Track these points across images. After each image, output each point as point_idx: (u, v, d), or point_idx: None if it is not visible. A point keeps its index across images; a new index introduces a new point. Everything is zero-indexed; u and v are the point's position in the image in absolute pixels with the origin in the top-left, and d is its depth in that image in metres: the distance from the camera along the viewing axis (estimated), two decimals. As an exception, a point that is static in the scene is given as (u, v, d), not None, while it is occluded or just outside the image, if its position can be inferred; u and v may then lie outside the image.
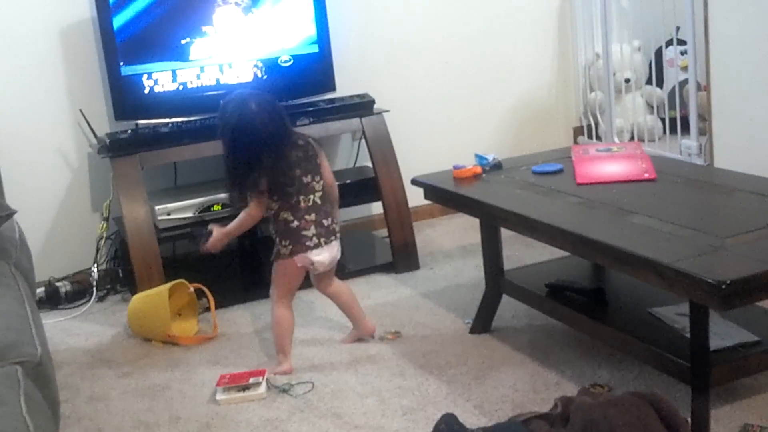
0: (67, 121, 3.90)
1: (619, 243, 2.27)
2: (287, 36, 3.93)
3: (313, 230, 2.96)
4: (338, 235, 3.07)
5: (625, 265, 2.28)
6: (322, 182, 3.02)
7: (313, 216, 2.97)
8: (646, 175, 2.80)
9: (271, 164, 2.90)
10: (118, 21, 3.68)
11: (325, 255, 3.00)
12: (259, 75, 3.91)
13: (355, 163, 4.36)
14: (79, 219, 3.97)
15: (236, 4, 3.82)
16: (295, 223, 2.95)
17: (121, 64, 3.71)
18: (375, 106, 3.99)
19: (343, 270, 3.90)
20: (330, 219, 3.03)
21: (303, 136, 3.06)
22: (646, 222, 2.41)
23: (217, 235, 3.08)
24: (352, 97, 4.02)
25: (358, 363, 2.99)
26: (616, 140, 4.46)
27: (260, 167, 2.91)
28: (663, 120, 4.46)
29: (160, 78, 3.77)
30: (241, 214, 3.05)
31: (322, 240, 2.98)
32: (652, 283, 2.22)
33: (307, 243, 2.96)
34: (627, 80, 4.58)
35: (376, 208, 4.20)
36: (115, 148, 3.63)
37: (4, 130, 3.69)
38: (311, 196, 2.98)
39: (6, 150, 3.61)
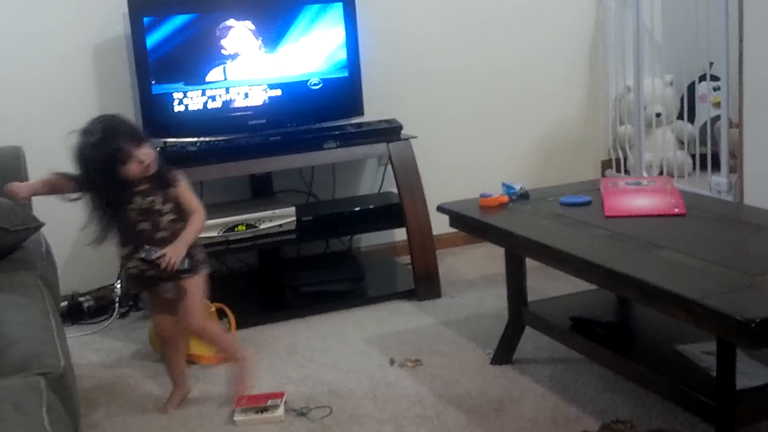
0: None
1: (647, 277, 2.24)
2: (318, 59, 3.95)
3: None
4: None
5: (653, 300, 2.25)
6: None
7: None
8: (676, 210, 2.77)
9: None
10: (151, 40, 3.71)
11: None
12: (288, 97, 3.92)
13: (380, 189, 4.36)
14: (105, 235, 3.98)
15: (267, 26, 3.85)
16: None
17: (153, 82, 3.74)
18: (402, 131, 3.98)
19: (364, 295, 3.91)
20: None
21: None
22: (675, 257, 2.38)
23: (174, 251, 2.75)
24: (379, 122, 4.02)
25: (377, 389, 2.97)
26: (645, 175, 4.43)
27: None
28: (693, 156, 4.42)
29: (189, 97, 3.79)
30: (195, 219, 2.82)
31: None
32: (679, 319, 2.18)
33: None
34: (658, 114, 4.55)
35: (400, 234, 4.18)
36: (143, 165, 3.65)
37: (35, 143, 3.69)
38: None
39: (36, 163, 3.60)
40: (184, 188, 2.83)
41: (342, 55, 3.98)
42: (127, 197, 2.72)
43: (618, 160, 4.68)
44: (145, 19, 3.71)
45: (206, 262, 2.87)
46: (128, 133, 2.70)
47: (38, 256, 2.90)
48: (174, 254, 2.74)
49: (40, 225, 2.96)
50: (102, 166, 2.67)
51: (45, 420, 1.76)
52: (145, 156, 2.70)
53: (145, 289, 2.91)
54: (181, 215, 2.80)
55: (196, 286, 2.83)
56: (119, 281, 3.86)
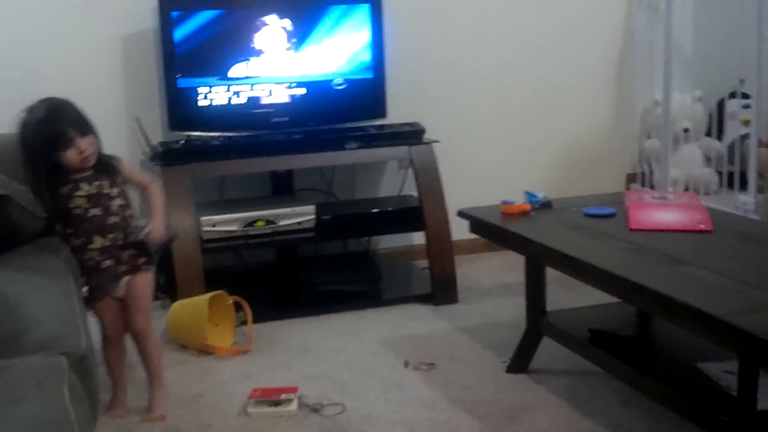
0: (122, 128, 3.94)
1: (669, 292, 2.21)
2: (343, 60, 3.94)
3: None
4: None
5: (675, 316, 2.21)
6: None
7: None
8: (702, 226, 2.74)
9: None
10: (178, 34, 3.72)
11: None
12: (312, 96, 3.91)
13: (400, 191, 4.34)
14: (125, 224, 3.98)
15: (293, 25, 3.84)
16: None
17: (179, 76, 3.74)
18: (425, 135, 3.97)
19: (381, 297, 3.89)
20: None
21: None
22: (699, 273, 2.34)
23: (158, 225, 2.74)
24: (402, 125, 4.01)
25: (390, 391, 2.95)
26: (671, 190, 4.39)
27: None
28: (720, 173, 4.38)
29: (214, 92, 3.79)
30: (157, 191, 2.81)
31: None
32: (701, 336, 2.15)
33: None
34: (685, 130, 4.50)
35: (418, 238, 4.17)
36: (167, 157, 3.66)
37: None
38: None
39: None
40: (129, 167, 2.81)
41: (367, 56, 3.97)
42: (71, 185, 2.63)
43: (643, 175, 4.65)
44: (173, 13, 3.72)
45: (155, 262, 2.79)
46: (73, 120, 2.60)
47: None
48: (158, 227, 2.71)
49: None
50: (40, 147, 2.56)
51: (66, 398, 1.80)
52: (87, 146, 2.60)
53: (102, 282, 2.71)
54: (128, 201, 2.73)
55: (147, 283, 2.76)
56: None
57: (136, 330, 2.79)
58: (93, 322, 2.57)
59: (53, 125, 2.56)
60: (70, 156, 2.58)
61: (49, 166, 2.59)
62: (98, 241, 2.66)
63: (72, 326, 2.20)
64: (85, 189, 2.64)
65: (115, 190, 2.69)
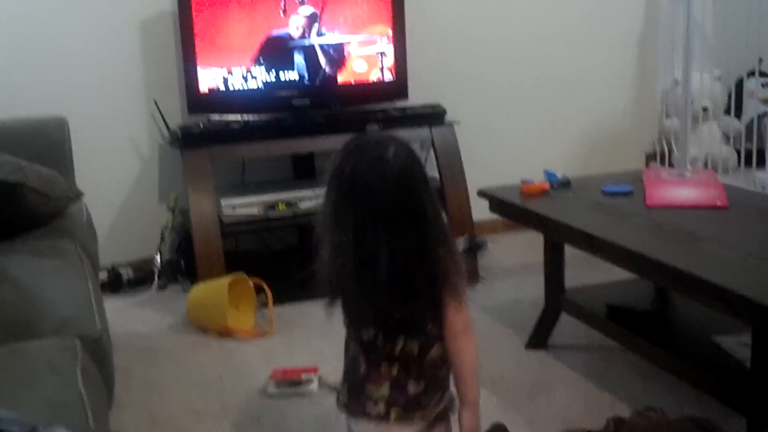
0: (141, 111, 3.97)
1: (685, 267, 2.22)
2: (364, 41, 3.95)
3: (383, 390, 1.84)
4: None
5: (691, 290, 2.23)
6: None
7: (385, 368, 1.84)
8: (718, 203, 2.74)
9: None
10: (197, 16, 3.73)
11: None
12: (333, 78, 3.93)
13: (421, 173, 4.35)
14: (146, 208, 4.03)
15: (315, 7, 3.86)
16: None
17: (198, 59, 3.76)
18: (446, 117, 3.98)
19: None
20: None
21: None
22: (715, 249, 2.36)
23: None
24: (423, 106, 4.01)
25: (411, 370, 2.97)
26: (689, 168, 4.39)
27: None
28: (738, 152, 4.37)
29: (234, 75, 3.81)
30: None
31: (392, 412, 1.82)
32: (716, 310, 2.17)
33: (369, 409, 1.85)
34: (705, 109, 4.49)
35: (440, 219, 4.17)
36: (186, 140, 3.69)
37: (80, 116, 3.75)
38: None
39: (80, 135, 3.67)
40: None
41: (389, 38, 3.97)
42: None
43: (663, 154, 4.64)
44: (193, -5, 3.73)
45: None
46: None
47: (78, 224, 2.94)
48: None
49: (80, 194, 3.01)
50: None
51: (79, 380, 1.80)
52: None
53: None
54: None
55: None
56: (159, 254, 3.91)
57: None
58: (110, 311, 2.54)
59: None
60: None
61: None
62: None
63: (86, 309, 2.20)
64: None
65: None
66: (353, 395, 1.83)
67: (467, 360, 1.82)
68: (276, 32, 3.84)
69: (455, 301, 1.78)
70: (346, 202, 1.74)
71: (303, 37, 3.87)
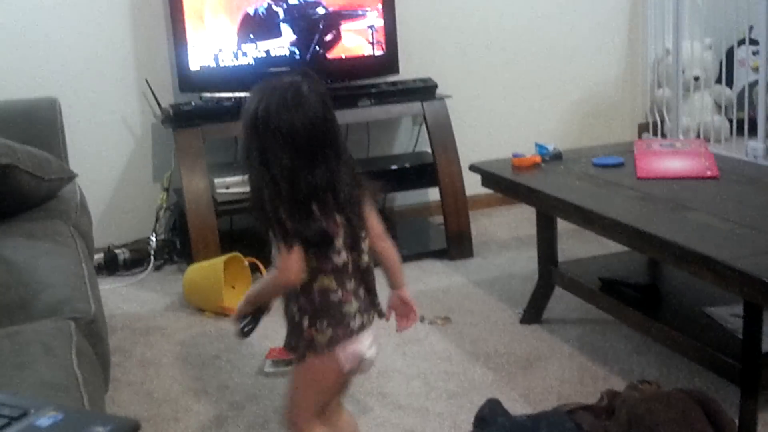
0: (133, 90, 3.96)
1: (676, 238, 2.24)
2: (354, 16, 3.93)
3: (354, 305, 1.92)
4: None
5: (682, 262, 2.25)
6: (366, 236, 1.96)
7: (353, 284, 1.93)
8: (709, 173, 2.76)
9: (325, 186, 1.87)
10: (187, -6, 3.72)
11: (370, 343, 1.97)
12: (324, 54, 3.92)
13: (414, 148, 4.36)
14: (140, 188, 4.04)
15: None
16: (339, 293, 1.91)
17: (188, 37, 3.75)
18: (437, 91, 3.98)
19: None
20: (371, 293, 1.99)
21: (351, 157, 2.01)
22: (706, 219, 2.37)
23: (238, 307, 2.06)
24: (414, 81, 4.01)
25: (406, 345, 2.99)
26: (682, 138, 4.39)
27: (310, 188, 1.86)
28: (730, 121, 4.38)
29: (224, 52, 3.80)
30: (266, 275, 2.22)
31: (365, 318, 1.95)
32: (708, 281, 2.18)
33: (352, 325, 1.92)
34: (696, 78, 4.49)
35: (433, 194, 4.20)
36: (178, 119, 3.68)
37: (72, 96, 3.75)
38: (362, 255, 1.95)
39: (72, 116, 3.67)
40: None
41: (378, 12, 3.96)
42: None
43: (655, 124, 4.65)
44: (183, -27, 3.71)
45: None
46: None
47: (72, 205, 2.94)
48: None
49: (74, 176, 3.02)
50: None
51: (74, 362, 1.80)
52: None
53: None
54: None
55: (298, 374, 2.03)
56: (154, 234, 3.91)
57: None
58: (106, 292, 2.55)
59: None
60: None
61: None
62: None
63: (81, 291, 2.20)
64: None
65: None
66: (334, 325, 1.91)
67: (393, 254, 2.05)
68: (266, 7, 3.83)
69: (374, 210, 2.00)
70: (277, 142, 1.87)
71: (293, 12, 3.86)
